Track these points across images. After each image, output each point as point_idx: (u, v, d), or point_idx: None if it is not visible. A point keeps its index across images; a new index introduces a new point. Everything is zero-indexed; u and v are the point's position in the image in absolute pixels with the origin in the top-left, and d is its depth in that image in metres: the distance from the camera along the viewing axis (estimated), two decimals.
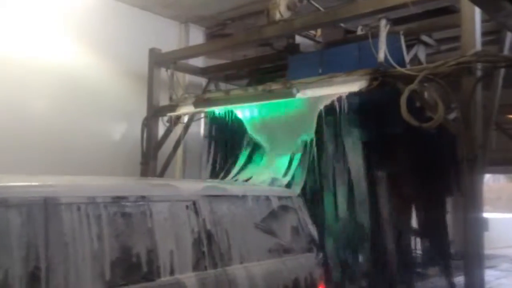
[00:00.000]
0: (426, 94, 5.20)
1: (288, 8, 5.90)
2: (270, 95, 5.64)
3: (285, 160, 6.01)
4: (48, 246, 2.79)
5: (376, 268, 5.85)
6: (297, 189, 5.49)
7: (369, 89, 5.26)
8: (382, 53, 5.33)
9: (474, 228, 4.72)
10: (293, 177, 5.78)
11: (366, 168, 5.82)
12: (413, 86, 4.84)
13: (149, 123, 7.46)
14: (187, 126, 7.72)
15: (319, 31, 6.55)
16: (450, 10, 5.80)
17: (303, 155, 5.90)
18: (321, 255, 4.92)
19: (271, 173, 5.95)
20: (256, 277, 4.02)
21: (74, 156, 6.86)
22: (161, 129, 7.56)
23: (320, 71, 6.11)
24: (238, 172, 6.40)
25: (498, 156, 6.36)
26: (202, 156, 8.34)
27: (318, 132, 5.89)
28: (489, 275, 8.53)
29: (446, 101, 4.97)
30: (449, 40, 6.32)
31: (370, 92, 5.38)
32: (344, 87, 5.40)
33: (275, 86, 5.69)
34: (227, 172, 6.80)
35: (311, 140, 5.88)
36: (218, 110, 6.67)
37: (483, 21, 4.74)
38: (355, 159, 5.81)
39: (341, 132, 5.87)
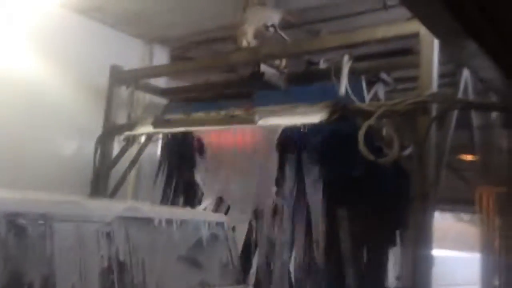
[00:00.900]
0: (384, 131, 5.34)
1: (255, 36, 5.98)
2: (232, 120, 5.63)
3: None
4: None
5: None
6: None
7: (329, 121, 5.37)
8: (343, 87, 5.48)
9: (423, 264, 4.81)
10: None
11: (326, 207, 5.92)
12: (371, 121, 4.98)
13: (104, 141, 7.26)
14: (143, 147, 7.56)
15: (284, 61, 6.65)
16: (410, 51, 6.04)
17: None
18: None
19: None
20: None
21: (25, 170, 6.56)
22: (116, 148, 7.36)
23: None
24: None
25: (447, 195, 6.58)
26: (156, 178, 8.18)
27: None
28: None
29: (402, 138, 5.13)
30: (407, 79, 6.56)
31: (332, 132, 5.54)
32: (305, 118, 5.48)
33: (237, 112, 5.70)
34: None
35: None
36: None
37: (441, 63, 4.96)
38: (315, 198, 5.89)
39: (302, 170, 5.99)
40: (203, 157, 6.78)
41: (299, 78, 6.81)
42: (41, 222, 2.95)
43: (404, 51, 6.03)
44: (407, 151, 5.39)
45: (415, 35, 4.91)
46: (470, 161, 7.05)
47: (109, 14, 7.46)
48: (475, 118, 6.60)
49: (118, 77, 7.39)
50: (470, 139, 6.69)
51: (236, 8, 6.30)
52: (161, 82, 8.27)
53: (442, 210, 13.89)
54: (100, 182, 7.20)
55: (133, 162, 7.49)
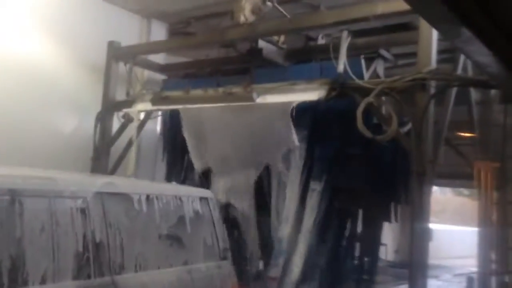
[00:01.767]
0: (383, 109, 5.33)
1: (253, 12, 5.90)
2: (230, 97, 5.61)
3: None
4: None
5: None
6: None
7: (328, 98, 5.36)
8: (341, 64, 5.44)
9: (420, 238, 4.88)
10: None
11: (326, 182, 6.00)
12: (370, 98, 4.97)
13: (103, 118, 7.26)
14: (143, 123, 7.55)
15: (282, 37, 6.58)
16: (409, 27, 5.97)
17: None
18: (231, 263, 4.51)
19: None
20: (150, 286, 3.56)
21: (25, 147, 6.57)
22: (116, 125, 7.37)
23: None
24: None
25: (446, 170, 6.61)
26: (157, 155, 8.21)
27: None
28: (431, 285, 8.81)
29: (400, 116, 5.13)
30: (407, 55, 6.51)
31: (334, 111, 5.51)
32: (304, 95, 5.47)
33: (235, 89, 5.67)
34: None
35: None
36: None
37: (440, 39, 4.91)
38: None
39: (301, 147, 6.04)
40: None
41: (298, 54, 6.76)
42: (7, 197, 2.78)
43: (402, 27, 5.96)
44: (406, 128, 5.40)
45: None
46: (469, 137, 7.05)
47: None
48: (474, 94, 6.59)
49: (116, 53, 7.33)
50: (469, 115, 6.69)
51: None
52: (159, 58, 8.21)
53: (441, 185, 14.00)
54: (101, 158, 7.23)
55: (133, 139, 7.50)
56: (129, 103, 7.06)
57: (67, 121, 7.42)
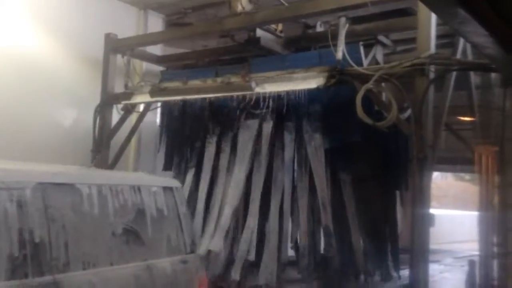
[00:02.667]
0: (383, 96, 5.31)
1: (250, 0, 5.86)
2: (228, 87, 5.59)
3: None
4: None
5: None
6: None
7: (326, 86, 5.34)
8: (340, 51, 5.40)
9: (420, 223, 4.90)
10: None
11: (330, 173, 6.05)
12: (369, 85, 4.94)
13: (102, 111, 7.24)
14: (142, 115, 7.54)
15: (280, 25, 6.54)
16: (408, 12, 5.93)
17: None
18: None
19: None
20: (99, 285, 3.24)
21: (24, 141, 6.56)
22: (115, 117, 7.35)
23: None
24: None
25: (447, 155, 6.61)
26: (157, 146, 8.22)
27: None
28: (434, 269, 8.87)
29: (400, 101, 5.11)
30: (406, 41, 6.47)
31: (332, 97, 5.49)
32: (302, 84, 5.45)
33: (234, 79, 5.65)
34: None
35: None
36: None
37: (438, 24, 4.88)
38: (318, 164, 6.02)
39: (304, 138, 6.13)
40: None
41: (296, 42, 6.72)
42: None
43: (400, 13, 5.92)
44: (406, 114, 5.39)
45: None
46: (470, 121, 7.04)
47: None
48: (474, 79, 6.56)
49: (113, 45, 7.29)
50: (469, 100, 6.67)
51: None
52: (157, 49, 8.17)
53: (443, 170, 14.02)
54: (101, 151, 7.23)
55: (133, 131, 7.50)
56: (127, 95, 7.04)
57: (66, 114, 7.41)
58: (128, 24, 8.10)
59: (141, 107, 7.47)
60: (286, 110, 6.10)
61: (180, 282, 3.88)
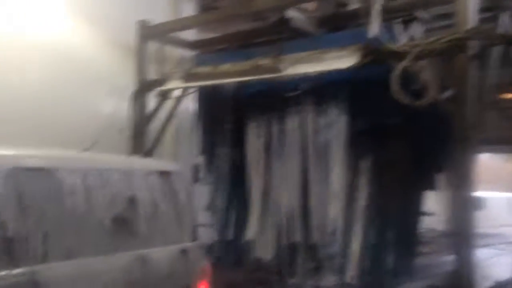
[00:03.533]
0: (422, 74, 5.04)
1: None
2: (257, 70, 5.47)
3: None
4: None
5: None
6: None
7: (360, 65, 5.10)
8: (375, 28, 5.15)
9: (463, 207, 4.69)
10: None
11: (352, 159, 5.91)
12: (405, 63, 4.68)
13: (137, 97, 7.31)
14: (178, 101, 7.56)
15: (313, 5, 6.34)
16: None
17: None
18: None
19: None
20: (82, 277, 3.01)
21: (64, 130, 6.70)
22: (151, 103, 7.40)
23: None
24: None
25: (495, 135, 6.26)
26: (194, 132, 8.23)
27: None
28: (485, 253, 8.51)
29: (440, 80, 4.84)
30: (447, 16, 6.10)
31: (364, 78, 5.29)
32: (335, 63, 5.24)
33: (263, 62, 5.52)
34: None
35: None
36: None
37: None
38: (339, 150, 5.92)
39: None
40: None
41: (329, 21, 6.49)
42: None
43: None
44: (447, 94, 5.09)
45: None
46: None
47: None
48: None
49: (146, 32, 7.32)
50: None
51: None
52: (189, 34, 8.13)
53: (492, 151, 13.36)
54: (138, 138, 7.31)
55: (169, 117, 7.53)
56: (162, 81, 7.06)
57: (101, 102, 7.49)
58: (160, 10, 8.08)
59: (177, 93, 7.47)
60: (319, 92, 5.90)
61: (177, 272, 3.69)
